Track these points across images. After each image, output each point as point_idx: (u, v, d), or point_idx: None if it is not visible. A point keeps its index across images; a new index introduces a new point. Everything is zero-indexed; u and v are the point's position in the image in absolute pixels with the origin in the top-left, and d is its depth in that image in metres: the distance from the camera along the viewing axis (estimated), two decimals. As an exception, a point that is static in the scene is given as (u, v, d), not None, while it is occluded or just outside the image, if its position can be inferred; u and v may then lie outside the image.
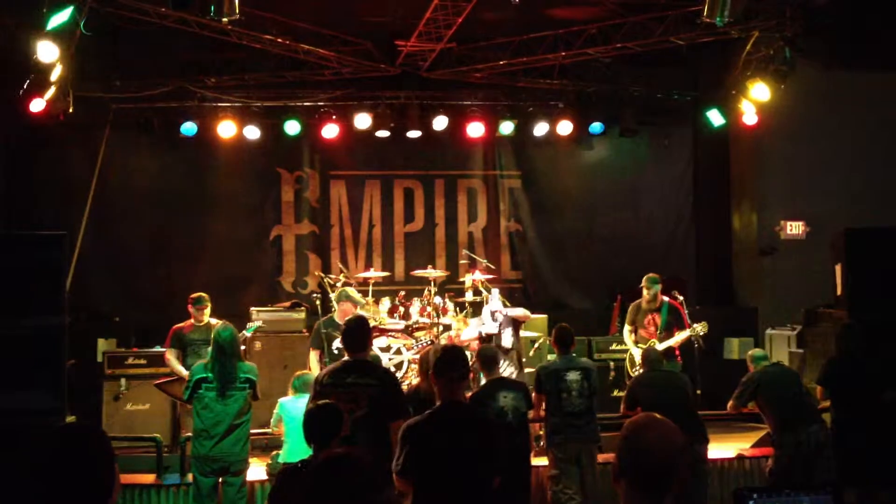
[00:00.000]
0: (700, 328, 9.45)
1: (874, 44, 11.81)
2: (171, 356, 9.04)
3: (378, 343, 10.25)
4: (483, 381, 7.43)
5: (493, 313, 9.83)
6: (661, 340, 9.40)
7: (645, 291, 9.73)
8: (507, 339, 9.58)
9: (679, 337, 9.47)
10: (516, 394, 7.02)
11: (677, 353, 9.61)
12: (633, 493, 2.79)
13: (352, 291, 9.57)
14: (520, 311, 9.93)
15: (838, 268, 9.14)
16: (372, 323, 10.20)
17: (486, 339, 9.50)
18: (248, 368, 7.21)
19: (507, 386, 7.14)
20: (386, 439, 5.44)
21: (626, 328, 9.94)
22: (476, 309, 10.79)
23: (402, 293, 11.24)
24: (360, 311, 9.70)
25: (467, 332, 10.09)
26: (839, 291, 9.13)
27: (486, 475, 3.32)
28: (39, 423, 7.45)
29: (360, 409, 5.58)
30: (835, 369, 7.85)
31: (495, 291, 10.23)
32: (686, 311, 9.82)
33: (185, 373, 8.33)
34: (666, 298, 9.74)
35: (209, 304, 9.15)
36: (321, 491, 2.66)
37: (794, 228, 12.69)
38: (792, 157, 12.59)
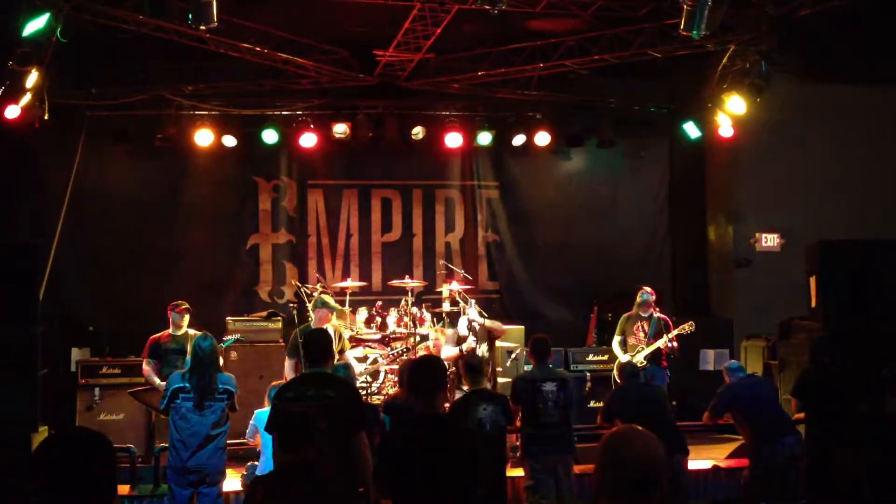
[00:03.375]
0: (688, 326, 9.68)
1: (849, 58, 11.92)
2: (148, 367, 8.99)
3: (355, 353, 10.23)
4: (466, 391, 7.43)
5: (469, 323, 9.85)
6: (648, 345, 9.62)
7: (638, 297, 10.09)
8: (481, 353, 9.58)
9: (666, 337, 9.64)
10: (496, 406, 6.99)
11: (664, 359, 9.80)
12: None
13: (328, 298, 9.55)
14: (496, 324, 9.97)
15: (812, 280, 9.21)
16: (348, 333, 10.20)
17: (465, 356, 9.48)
18: (226, 379, 7.17)
19: (487, 398, 7.12)
20: (348, 452, 5.43)
21: (616, 339, 10.13)
22: (453, 319, 10.78)
23: (380, 303, 11.21)
24: (335, 319, 9.69)
25: (447, 349, 10.05)
26: (813, 303, 9.21)
27: (464, 489, 3.30)
28: (12, 432, 7.40)
29: (322, 421, 5.55)
30: (809, 381, 7.90)
31: (472, 302, 10.24)
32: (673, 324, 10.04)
33: (162, 385, 8.27)
34: (657, 313, 9.98)
35: (189, 312, 9.16)
36: (280, 497, 2.64)
37: (769, 240, 12.77)
38: (767, 169, 12.67)
